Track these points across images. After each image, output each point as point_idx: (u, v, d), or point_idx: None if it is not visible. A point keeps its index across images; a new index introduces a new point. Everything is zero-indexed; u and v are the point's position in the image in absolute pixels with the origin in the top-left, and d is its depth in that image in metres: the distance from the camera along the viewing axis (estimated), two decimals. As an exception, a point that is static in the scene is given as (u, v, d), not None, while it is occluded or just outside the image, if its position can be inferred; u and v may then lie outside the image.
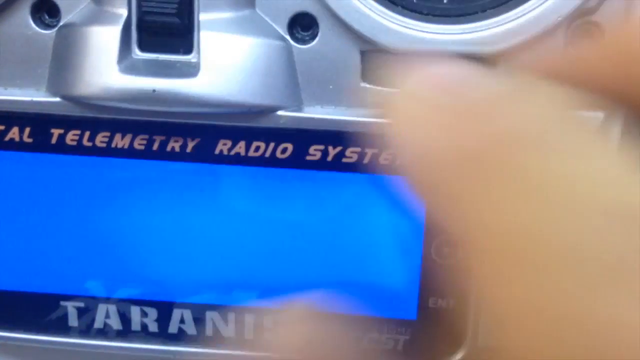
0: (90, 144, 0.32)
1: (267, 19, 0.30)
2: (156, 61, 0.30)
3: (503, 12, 0.29)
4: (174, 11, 0.28)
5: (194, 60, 0.29)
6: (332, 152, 0.31)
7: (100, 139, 0.32)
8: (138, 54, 0.30)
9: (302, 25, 0.30)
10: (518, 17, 0.29)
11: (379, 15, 0.29)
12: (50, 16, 0.31)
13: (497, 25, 0.29)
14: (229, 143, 0.31)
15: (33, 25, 0.31)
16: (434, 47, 0.29)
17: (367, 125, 0.30)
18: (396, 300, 0.34)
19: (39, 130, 0.32)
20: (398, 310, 0.34)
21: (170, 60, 0.30)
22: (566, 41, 0.29)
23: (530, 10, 0.29)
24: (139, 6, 0.29)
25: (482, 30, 0.29)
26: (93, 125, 0.31)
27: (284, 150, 0.31)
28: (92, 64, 0.29)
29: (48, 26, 0.31)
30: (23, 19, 0.30)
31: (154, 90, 0.28)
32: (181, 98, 0.29)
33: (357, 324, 0.34)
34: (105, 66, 0.29)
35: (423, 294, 0.33)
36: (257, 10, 0.30)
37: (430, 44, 0.29)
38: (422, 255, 0.33)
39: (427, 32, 0.29)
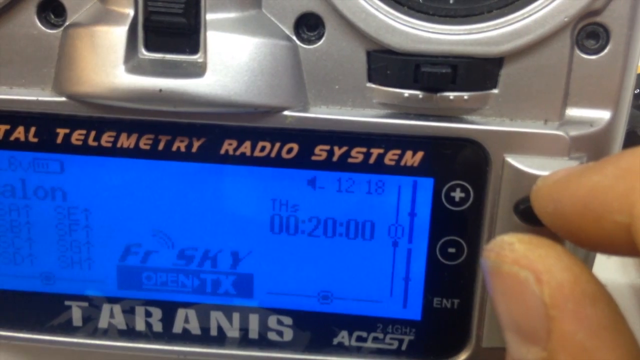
0: (95, 143, 0.32)
1: (273, 19, 0.30)
2: (162, 61, 0.30)
3: (509, 12, 0.29)
4: (180, 11, 0.28)
5: (200, 60, 0.29)
6: (338, 152, 0.31)
7: (106, 139, 0.31)
8: (144, 53, 0.30)
9: (308, 25, 0.30)
10: (524, 18, 0.29)
11: (385, 15, 0.29)
12: (56, 16, 0.31)
13: (504, 26, 0.29)
14: (235, 143, 0.31)
15: (39, 24, 0.30)
16: (440, 47, 0.29)
17: (373, 126, 0.30)
18: (401, 300, 0.34)
19: (44, 130, 0.32)
20: (402, 310, 0.34)
21: (176, 60, 0.30)
22: (572, 42, 0.29)
23: (537, 11, 0.29)
24: (145, 6, 0.29)
25: (488, 31, 0.29)
26: (99, 125, 0.31)
27: (290, 151, 0.31)
28: (98, 64, 0.29)
29: (54, 26, 0.31)
30: (29, 18, 0.30)
31: (160, 90, 0.28)
32: (188, 98, 0.29)
33: (361, 324, 0.34)
34: (112, 66, 0.29)
35: (427, 294, 0.33)
36: (264, 10, 0.30)
37: (436, 44, 0.29)
38: (427, 256, 0.33)
39: (433, 32, 0.29)
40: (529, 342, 0.21)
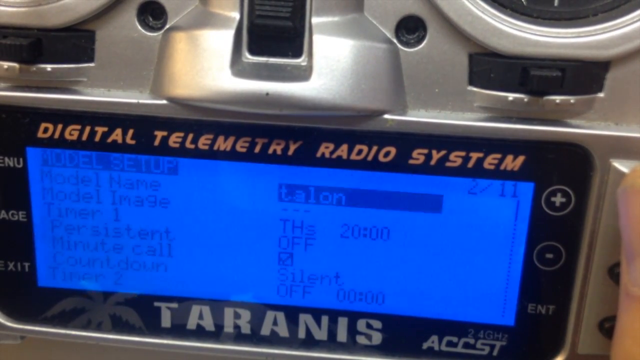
0: (192, 146, 0.32)
1: (374, 22, 0.30)
2: (266, 64, 0.29)
3: (617, 16, 0.29)
4: (287, 14, 0.28)
5: (304, 63, 0.29)
6: (436, 156, 0.31)
7: (203, 141, 0.31)
8: (248, 57, 0.29)
9: (407, 28, 0.30)
10: (634, 22, 0.28)
11: (491, 18, 0.29)
12: (154, 18, 0.31)
13: (613, 30, 0.28)
14: (332, 146, 0.31)
15: (139, 27, 0.31)
16: (548, 50, 0.28)
17: (475, 129, 0.30)
18: (494, 305, 0.33)
19: (142, 132, 0.32)
20: (496, 315, 0.33)
21: (279, 64, 0.29)
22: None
23: (648, 14, 0.28)
24: (252, 9, 0.29)
25: (597, 34, 0.28)
26: (197, 127, 0.31)
27: (387, 154, 0.31)
28: (203, 67, 0.29)
29: (152, 28, 0.31)
30: (129, 21, 0.31)
31: (267, 94, 0.28)
32: (294, 101, 0.28)
33: (452, 329, 0.34)
34: (218, 69, 0.28)
35: (522, 299, 0.33)
36: (365, 13, 0.30)
37: (544, 47, 0.28)
38: (523, 261, 0.32)
39: (541, 35, 0.28)
40: None
